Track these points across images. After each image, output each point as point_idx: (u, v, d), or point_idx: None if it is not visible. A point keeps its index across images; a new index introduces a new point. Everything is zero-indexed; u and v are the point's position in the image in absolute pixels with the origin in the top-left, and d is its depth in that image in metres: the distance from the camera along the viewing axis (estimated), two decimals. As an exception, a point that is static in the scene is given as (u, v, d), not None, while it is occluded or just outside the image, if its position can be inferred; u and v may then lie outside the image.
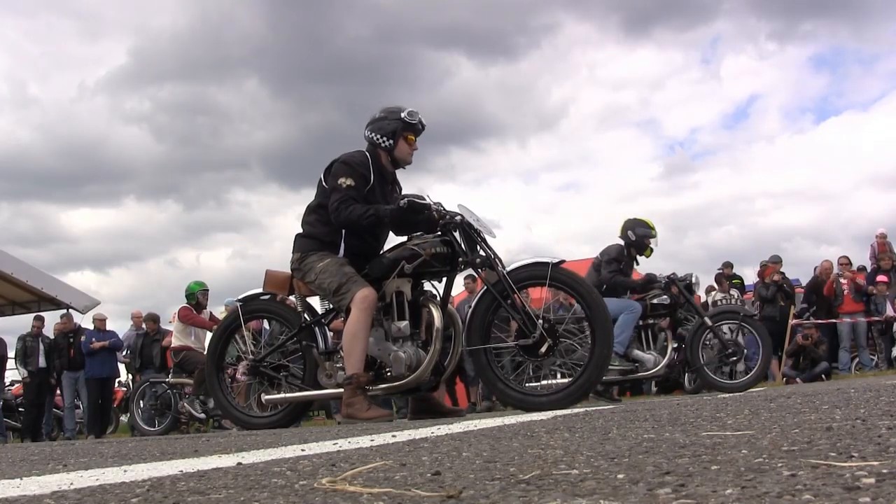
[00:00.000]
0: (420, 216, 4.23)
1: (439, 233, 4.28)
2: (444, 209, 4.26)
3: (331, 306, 4.63)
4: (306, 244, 4.45)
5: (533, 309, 4.28)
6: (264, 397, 4.73)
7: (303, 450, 2.04)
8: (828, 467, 1.03)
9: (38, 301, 14.63)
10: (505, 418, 3.26)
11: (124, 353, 11.82)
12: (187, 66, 47.92)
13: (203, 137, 49.91)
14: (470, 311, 4.35)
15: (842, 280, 11.05)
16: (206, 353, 8.76)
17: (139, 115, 44.48)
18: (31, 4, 43.12)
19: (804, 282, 12.33)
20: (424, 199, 4.25)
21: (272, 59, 47.57)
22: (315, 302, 4.83)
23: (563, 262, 4.18)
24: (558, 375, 6.63)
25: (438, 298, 4.37)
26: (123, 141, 43.79)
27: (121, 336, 11.86)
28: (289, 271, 4.60)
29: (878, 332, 11.25)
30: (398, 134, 4.40)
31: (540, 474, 1.15)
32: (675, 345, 6.90)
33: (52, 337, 11.89)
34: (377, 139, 4.43)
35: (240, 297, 4.97)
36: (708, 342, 6.82)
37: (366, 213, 4.20)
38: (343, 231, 4.37)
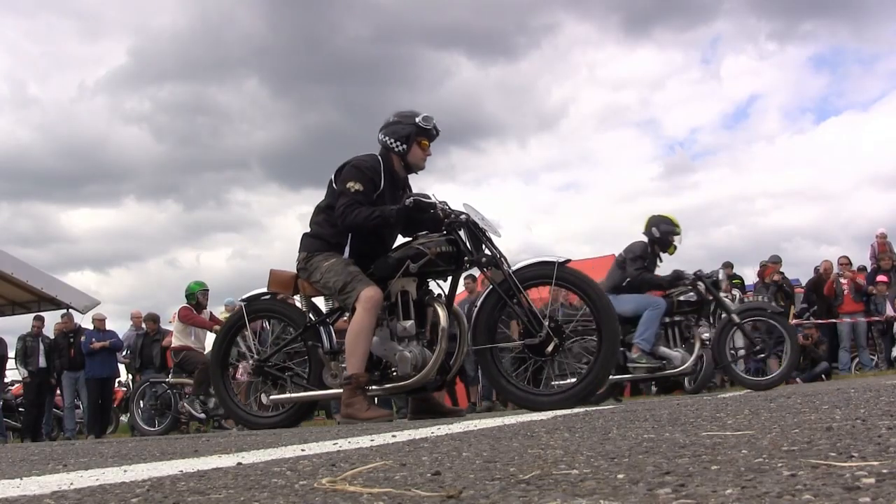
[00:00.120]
0: (425, 215, 4.22)
1: (445, 232, 4.26)
2: (450, 208, 4.25)
3: (335, 306, 4.62)
4: (313, 244, 4.44)
5: (539, 308, 4.28)
6: (270, 397, 4.72)
7: (303, 450, 2.04)
8: (828, 467, 1.03)
9: (38, 301, 14.63)
10: (505, 418, 3.26)
11: (124, 353, 11.82)
12: (187, 66, 47.97)
13: (203, 137, 49.96)
14: (476, 310, 4.34)
15: (842, 280, 11.05)
16: (210, 352, 8.83)
17: (139, 115, 44.54)
18: (31, 4, 43.17)
19: (804, 282, 12.34)
20: (430, 197, 4.24)
21: (272, 59, 47.63)
22: (319, 302, 4.84)
23: (568, 261, 4.18)
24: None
25: (444, 298, 4.36)
26: (123, 141, 43.85)
27: (120, 336, 11.87)
28: (293, 271, 4.59)
29: (878, 332, 11.26)
30: (412, 139, 4.38)
31: (540, 474, 1.15)
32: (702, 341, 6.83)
33: (52, 337, 11.90)
34: (390, 143, 4.41)
35: (244, 296, 4.97)
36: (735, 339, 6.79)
37: (371, 214, 4.20)
38: (349, 233, 4.36)
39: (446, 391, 9.36)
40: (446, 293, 4.40)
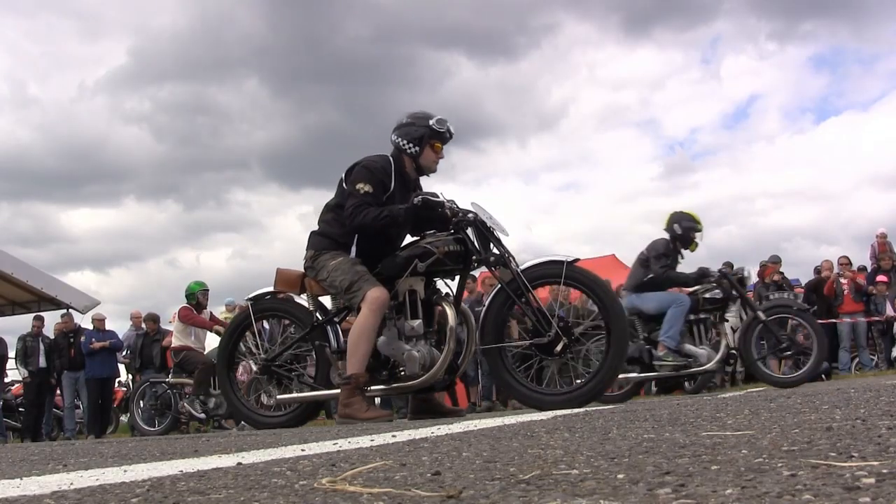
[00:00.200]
0: (433, 214, 4.20)
1: (452, 231, 4.24)
2: (458, 207, 4.22)
3: (342, 305, 4.60)
4: (320, 242, 4.43)
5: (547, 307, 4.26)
6: (277, 397, 4.70)
7: (303, 450, 2.04)
8: (828, 467, 1.03)
9: (38, 301, 14.64)
10: (505, 418, 3.26)
11: (124, 353, 11.82)
12: (187, 66, 47.94)
13: (203, 137, 49.91)
14: (484, 309, 4.32)
15: (842, 280, 11.05)
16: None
17: (139, 115, 44.48)
18: (31, 4, 43.13)
19: (804, 282, 12.33)
20: (438, 196, 4.22)
21: (272, 59, 47.58)
22: (325, 301, 4.81)
23: (577, 260, 4.16)
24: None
25: (452, 297, 4.34)
26: (123, 141, 43.78)
27: (120, 336, 11.87)
28: (299, 270, 4.57)
29: (878, 332, 11.26)
30: (425, 141, 4.35)
31: (540, 474, 1.15)
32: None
33: (52, 337, 11.90)
34: (403, 144, 4.38)
35: (250, 295, 4.94)
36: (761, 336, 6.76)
37: (380, 214, 4.18)
38: (356, 234, 4.34)
39: (446, 391, 9.36)
40: (454, 292, 4.38)
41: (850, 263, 11.50)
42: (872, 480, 0.90)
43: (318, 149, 51.12)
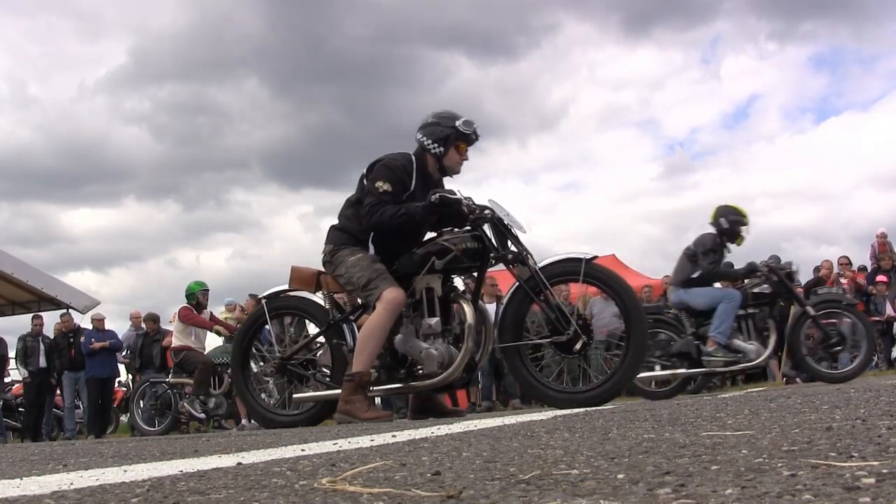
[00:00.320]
0: (451, 211, 4.17)
1: (469, 228, 4.21)
2: (475, 204, 4.19)
3: (357, 302, 4.56)
4: (339, 237, 4.39)
5: (570, 305, 4.25)
6: (294, 396, 4.66)
7: (303, 450, 2.04)
8: (828, 467, 1.03)
9: (38, 301, 14.64)
10: (505, 418, 3.26)
11: (124, 353, 11.82)
12: (187, 66, 47.89)
13: (203, 137, 49.87)
14: (502, 307, 4.30)
15: (842, 280, 11.05)
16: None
17: (139, 115, 44.42)
18: (31, 4, 43.09)
19: (804, 282, 12.32)
20: (455, 193, 4.19)
21: (272, 59, 47.52)
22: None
23: (595, 257, 4.14)
24: (657, 368, 6.62)
25: (469, 294, 4.31)
26: (123, 141, 43.73)
27: (120, 336, 11.87)
28: (315, 268, 4.54)
29: (878, 333, 11.25)
30: (450, 142, 4.30)
31: (540, 474, 1.15)
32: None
33: (52, 337, 11.90)
34: (427, 144, 4.32)
35: (265, 293, 4.90)
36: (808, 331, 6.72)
37: (397, 212, 4.13)
38: (372, 232, 4.30)
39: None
40: (471, 290, 4.35)
41: (850, 263, 11.49)
42: (872, 480, 0.90)
43: (318, 149, 51.13)
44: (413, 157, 4.35)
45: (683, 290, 6.74)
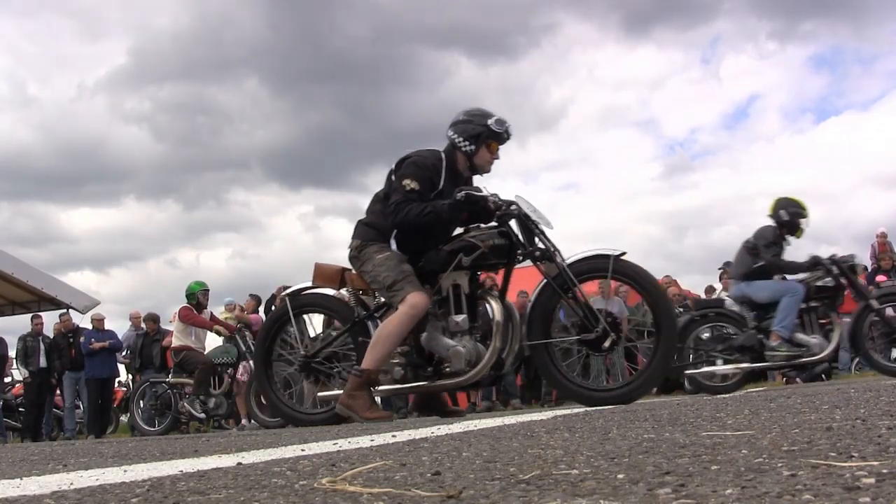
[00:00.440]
0: (477, 207, 4.13)
1: (496, 224, 4.16)
2: (501, 200, 4.14)
3: (383, 300, 4.49)
4: (368, 233, 4.32)
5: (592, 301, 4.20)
6: (318, 394, 4.61)
7: (303, 450, 2.04)
8: (828, 467, 1.03)
9: (38, 301, 14.63)
10: (505, 418, 3.26)
11: (124, 353, 11.83)
12: (187, 66, 47.88)
13: (203, 137, 49.85)
14: (530, 304, 4.25)
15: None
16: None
17: (139, 115, 44.42)
18: (31, 4, 43.10)
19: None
20: (481, 190, 4.15)
21: (272, 59, 47.52)
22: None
23: (624, 253, 4.08)
24: (719, 362, 6.58)
25: (497, 291, 4.26)
26: (123, 141, 43.71)
27: (120, 336, 11.87)
28: (338, 264, 4.49)
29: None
30: (482, 140, 4.23)
31: (540, 474, 1.15)
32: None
33: (52, 337, 11.91)
34: (458, 141, 4.26)
35: (288, 290, 4.85)
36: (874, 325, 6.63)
37: (423, 211, 4.08)
38: (396, 230, 4.25)
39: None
40: (498, 287, 4.29)
41: (849, 263, 11.48)
42: (872, 480, 0.90)
43: (318, 149, 51.10)
44: (443, 155, 4.29)
45: (745, 283, 6.64)
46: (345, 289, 4.58)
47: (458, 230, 4.31)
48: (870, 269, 11.75)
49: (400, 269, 4.15)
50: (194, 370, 8.70)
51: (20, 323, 15.21)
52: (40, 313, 12.69)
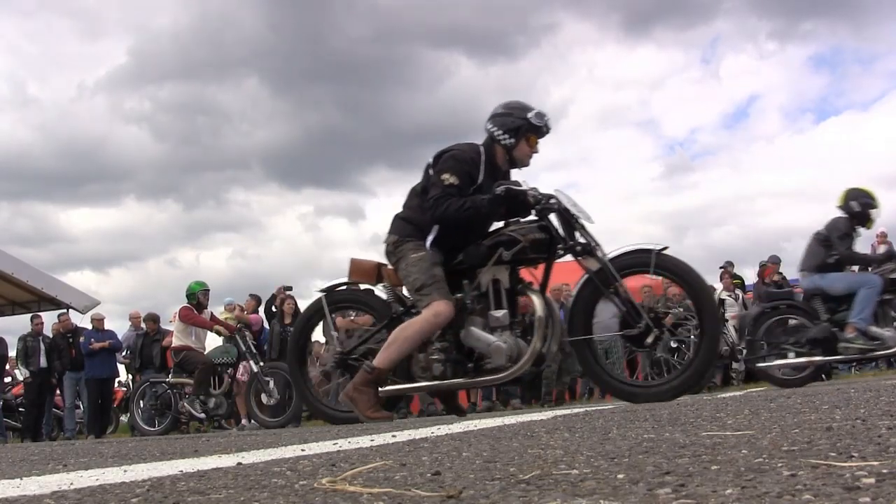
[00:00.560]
0: (516, 201, 4.08)
1: (536, 218, 4.11)
2: (541, 194, 4.08)
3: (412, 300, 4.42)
4: (405, 228, 4.26)
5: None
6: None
7: (303, 450, 2.04)
8: (828, 467, 1.03)
9: (38, 301, 14.62)
10: (505, 418, 3.26)
11: (124, 353, 11.82)
12: (187, 66, 47.88)
13: (203, 137, 49.85)
14: (571, 300, 4.21)
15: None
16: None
17: (139, 114, 44.43)
18: (31, 4, 43.10)
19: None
20: (520, 185, 4.10)
21: (272, 59, 47.50)
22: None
23: (666, 248, 4.01)
24: (791, 355, 6.51)
25: (537, 286, 4.18)
26: (123, 141, 43.72)
27: (120, 336, 11.87)
28: (374, 260, 4.44)
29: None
30: (521, 133, 4.17)
31: (540, 474, 1.15)
32: None
33: (51, 336, 11.91)
34: (498, 134, 4.20)
35: (323, 286, 4.75)
36: None
37: (463, 206, 4.02)
38: (435, 225, 4.18)
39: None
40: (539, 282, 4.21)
41: (850, 263, 11.48)
42: (872, 480, 0.90)
43: (318, 149, 51.12)
44: (482, 149, 4.22)
45: (819, 275, 6.54)
46: (381, 284, 4.49)
47: (497, 224, 4.25)
48: (870, 269, 11.76)
49: (431, 273, 4.09)
50: (194, 370, 8.70)
51: (20, 323, 15.21)
52: (40, 313, 12.68)
